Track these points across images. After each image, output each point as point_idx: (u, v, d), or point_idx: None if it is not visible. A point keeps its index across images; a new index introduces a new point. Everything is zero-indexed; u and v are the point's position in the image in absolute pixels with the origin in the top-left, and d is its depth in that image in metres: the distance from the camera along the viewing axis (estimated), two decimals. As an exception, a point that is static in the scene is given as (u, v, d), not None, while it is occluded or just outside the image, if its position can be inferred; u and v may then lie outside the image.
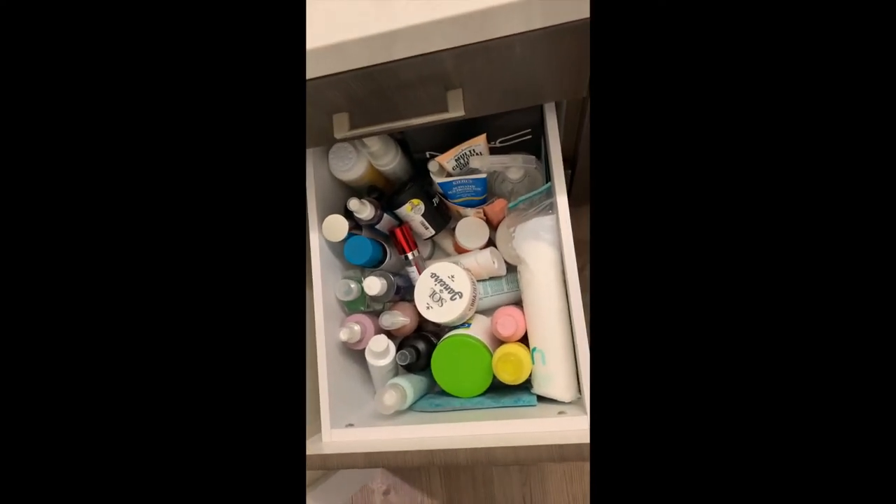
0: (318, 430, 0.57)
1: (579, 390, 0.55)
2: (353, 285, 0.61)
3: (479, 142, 0.57)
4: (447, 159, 0.59)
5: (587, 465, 1.01)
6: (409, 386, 0.59)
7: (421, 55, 0.39)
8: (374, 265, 0.65)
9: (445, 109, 0.45)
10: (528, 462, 0.47)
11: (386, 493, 1.11)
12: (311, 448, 0.53)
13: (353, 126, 0.48)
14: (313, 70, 0.40)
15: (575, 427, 0.49)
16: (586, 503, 1.00)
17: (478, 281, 0.66)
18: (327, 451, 0.52)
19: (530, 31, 0.37)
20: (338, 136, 0.47)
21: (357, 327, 0.59)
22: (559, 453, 0.46)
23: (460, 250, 0.70)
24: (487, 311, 0.66)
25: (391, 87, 0.44)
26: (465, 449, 0.48)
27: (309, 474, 0.74)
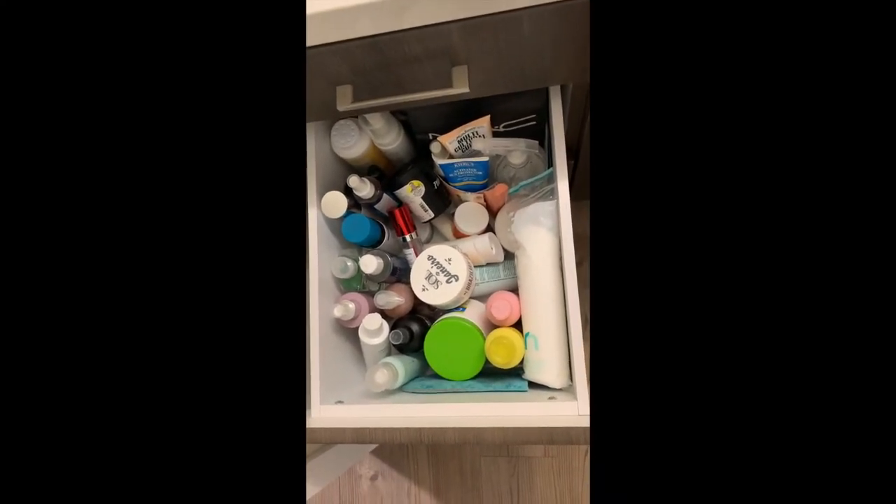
0: (308, 405, 0.57)
1: (570, 378, 0.55)
2: (349, 263, 0.60)
3: (483, 123, 0.57)
4: (450, 139, 0.58)
5: (575, 460, 1.01)
6: (400, 366, 0.58)
7: (429, 25, 0.39)
8: (371, 245, 0.65)
9: (450, 86, 0.45)
10: (517, 443, 0.47)
11: (373, 478, 1.11)
12: (300, 422, 0.53)
13: (356, 99, 0.47)
14: (319, 37, 0.40)
15: (565, 412, 0.49)
16: (573, 497, 1.00)
17: (475, 266, 0.66)
18: (315, 425, 0.52)
19: (539, 6, 0.37)
20: (340, 108, 0.47)
21: (352, 305, 0.59)
22: (548, 436, 0.46)
23: (459, 235, 0.70)
24: (483, 298, 0.66)
25: (396, 60, 0.43)
26: (454, 428, 0.48)
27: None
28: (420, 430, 0.49)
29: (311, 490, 0.76)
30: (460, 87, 0.44)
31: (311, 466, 0.74)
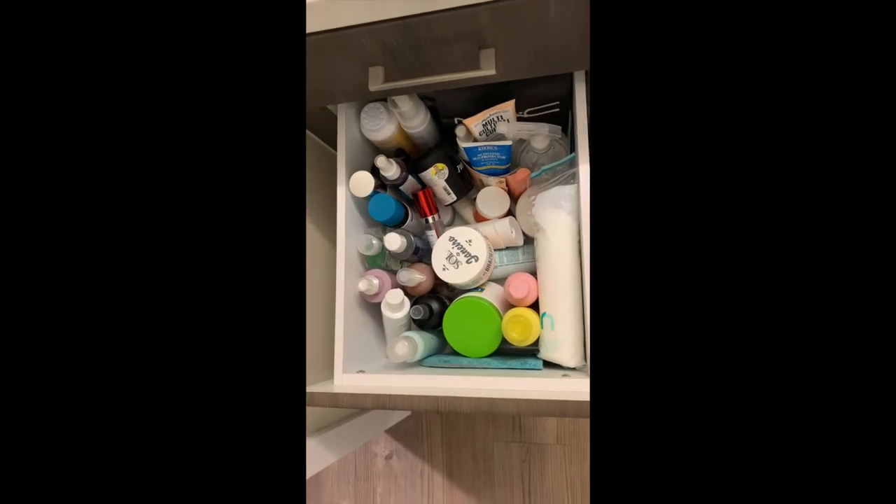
0: (331, 375, 0.60)
1: (585, 357, 0.57)
2: (374, 241, 0.63)
3: (508, 107, 0.58)
4: (475, 123, 0.60)
5: (587, 448, 1.02)
6: (420, 340, 0.61)
7: (458, 7, 0.40)
8: (395, 224, 0.67)
9: (478, 67, 0.47)
10: (530, 414, 0.49)
11: (388, 457, 1.14)
12: (323, 388, 0.56)
13: (387, 79, 0.50)
14: (353, 17, 0.42)
15: (578, 388, 0.51)
16: (584, 485, 1.01)
17: (495, 250, 0.68)
18: (338, 391, 0.55)
19: (566, -11, 0.38)
20: (372, 88, 0.49)
21: (375, 280, 0.62)
22: (560, 409, 0.48)
23: (480, 219, 0.72)
24: (501, 280, 0.68)
25: (426, 42, 0.45)
26: (470, 398, 0.50)
27: (315, 422, 0.78)
28: (437, 398, 0.51)
29: (329, 459, 0.80)
30: (487, 70, 0.46)
31: (329, 436, 0.78)
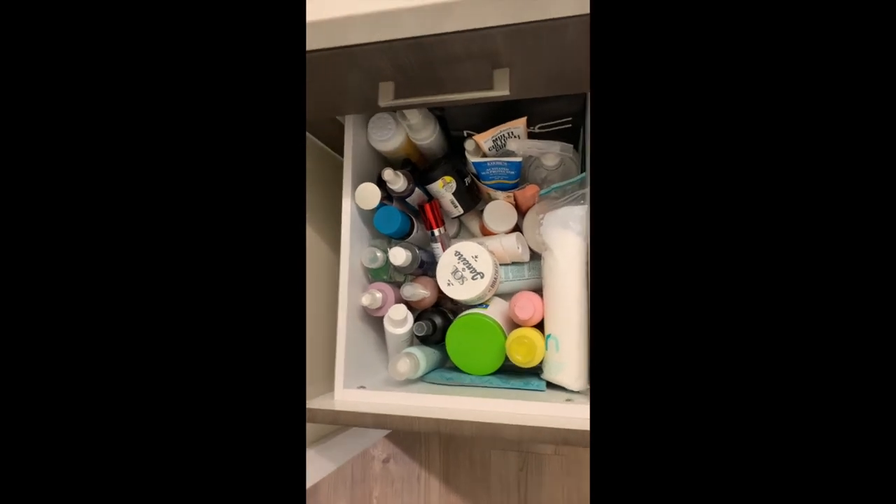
0: (331, 388, 0.60)
1: (589, 381, 0.56)
2: (378, 254, 0.62)
3: (519, 125, 0.57)
4: (484, 139, 0.59)
5: (585, 460, 1.02)
6: (422, 356, 0.60)
7: (472, 30, 0.39)
8: (400, 237, 0.66)
9: (490, 87, 0.45)
10: (533, 441, 0.48)
11: (386, 461, 1.14)
12: (324, 404, 0.56)
13: (397, 96, 0.48)
14: (366, 36, 0.41)
15: (581, 415, 0.50)
16: (581, 497, 1.01)
17: (500, 265, 0.67)
18: (338, 408, 0.54)
19: (585, 15, 0.37)
20: (382, 104, 0.48)
21: (379, 294, 0.61)
22: (563, 437, 0.47)
23: (486, 233, 0.71)
24: (506, 296, 0.67)
25: (439, 60, 0.44)
26: (472, 422, 0.49)
27: (315, 432, 0.77)
28: (438, 420, 0.50)
29: (328, 468, 0.79)
30: (501, 90, 0.45)
31: (329, 446, 0.77)
